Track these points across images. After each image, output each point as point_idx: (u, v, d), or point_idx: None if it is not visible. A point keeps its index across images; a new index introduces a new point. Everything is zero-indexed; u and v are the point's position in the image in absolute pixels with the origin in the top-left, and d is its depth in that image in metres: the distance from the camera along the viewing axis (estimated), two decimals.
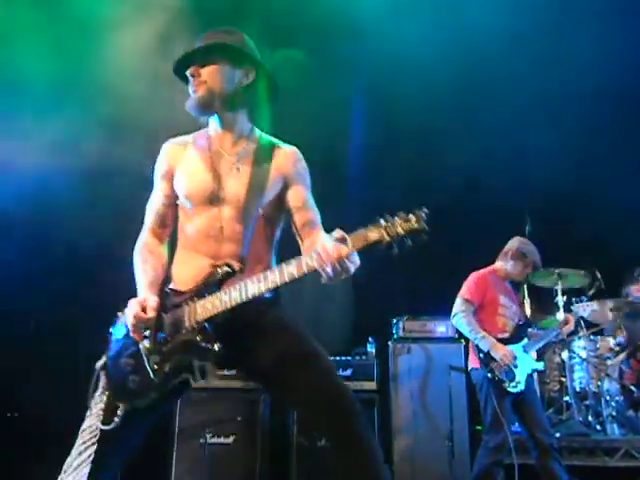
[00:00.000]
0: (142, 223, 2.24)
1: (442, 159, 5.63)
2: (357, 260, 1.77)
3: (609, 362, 4.95)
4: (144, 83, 4.58)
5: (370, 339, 5.01)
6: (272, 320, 2.03)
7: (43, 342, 4.84)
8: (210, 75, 2.06)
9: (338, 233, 1.72)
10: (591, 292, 5.01)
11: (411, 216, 1.68)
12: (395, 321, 5.05)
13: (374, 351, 4.95)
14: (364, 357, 4.90)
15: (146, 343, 1.93)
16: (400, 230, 1.66)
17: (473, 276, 4.20)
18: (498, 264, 4.29)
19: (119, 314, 2.06)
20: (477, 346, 3.92)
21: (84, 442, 1.91)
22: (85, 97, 4.73)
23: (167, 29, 4.84)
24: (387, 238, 1.67)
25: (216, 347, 1.87)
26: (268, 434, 4.87)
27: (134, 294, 2.06)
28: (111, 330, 2.06)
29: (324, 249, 1.71)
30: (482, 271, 4.24)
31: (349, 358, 4.87)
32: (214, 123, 2.17)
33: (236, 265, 1.95)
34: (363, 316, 5.29)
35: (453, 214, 5.67)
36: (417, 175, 5.56)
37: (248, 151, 2.13)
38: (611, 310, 5.21)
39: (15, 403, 4.98)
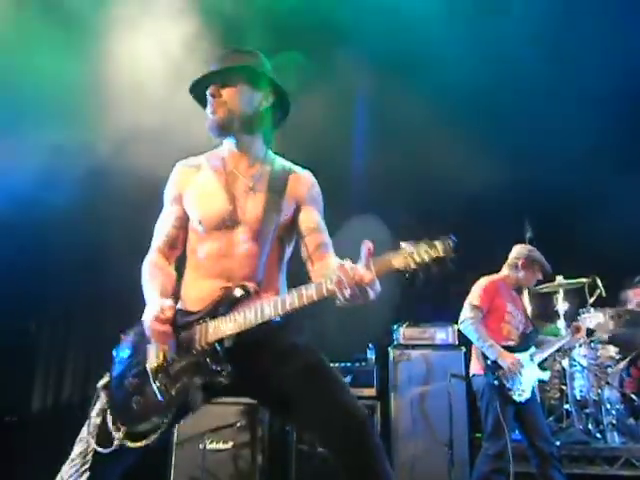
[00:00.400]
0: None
1: (442, 167, 5.64)
2: (378, 287, 1.67)
3: (610, 370, 4.94)
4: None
5: (370, 345, 5.01)
6: (283, 345, 1.98)
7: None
8: (230, 96, 2.05)
9: (365, 253, 1.63)
10: (591, 300, 5.01)
11: (437, 243, 1.60)
12: (395, 328, 5.05)
13: (374, 357, 4.95)
14: (364, 363, 4.90)
15: (154, 363, 1.86)
16: (426, 258, 1.59)
17: (482, 282, 4.17)
18: (509, 273, 4.26)
19: (122, 336, 2.02)
20: (483, 354, 3.89)
21: (77, 469, 1.85)
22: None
23: (168, 31, 4.88)
24: (412, 266, 1.59)
25: (226, 371, 1.82)
26: (267, 440, 4.86)
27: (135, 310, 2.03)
28: (114, 352, 2.01)
29: (344, 269, 1.63)
30: (491, 277, 4.21)
31: (349, 364, 4.88)
32: (230, 144, 2.15)
33: (251, 287, 1.91)
34: (363, 322, 5.28)
35: (454, 220, 5.67)
36: (417, 182, 5.55)
37: (263, 174, 2.11)
38: (611, 318, 5.21)
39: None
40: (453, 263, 1.59)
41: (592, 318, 4.73)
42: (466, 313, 4.04)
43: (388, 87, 5.53)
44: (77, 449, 1.89)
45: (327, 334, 5.17)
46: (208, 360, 1.84)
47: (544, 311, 5.10)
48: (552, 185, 5.73)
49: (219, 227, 2.02)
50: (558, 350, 4.55)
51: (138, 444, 1.83)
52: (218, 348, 1.85)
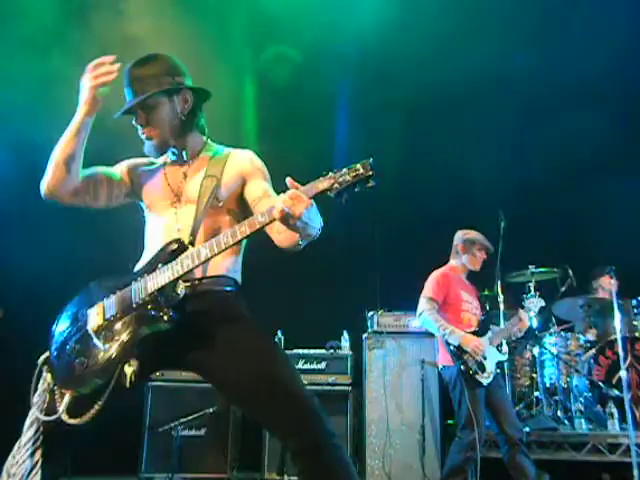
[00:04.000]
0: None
1: (421, 159, 5.68)
2: (309, 205, 1.74)
3: (579, 358, 5.03)
4: None
5: (345, 332, 5.02)
6: (232, 315, 2.02)
7: None
8: (156, 118, 2.11)
9: (289, 182, 1.76)
10: (563, 289, 5.08)
11: (357, 165, 1.73)
12: (370, 315, 5.06)
13: (348, 344, 4.96)
14: (338, 350, 4.91)
15: (94, 322, 1.92)
16: (348, 177, 1.72)
17: (434, 275, 4.24)
18: (454, 262, 4.35)
19: (64, 307, 2.07)
20: (447, 342, 3.94)
21: (28, 450, 1.87)
22: None
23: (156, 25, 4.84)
24: (336, 186, 1.72)
25: (167, 315, 1.85)
26: (240, 426, 4.87)
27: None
28: (53, 327, 2.03)
29: (278, 202, 1.74)
30: (441, 270, 4.29)
31: (323, 351, 4.88)
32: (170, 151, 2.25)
33: (185, 240, 1.97)
34: (338, 309, 5.29)
35: (429, 211, 5.71)
36: (393, 173, 5.56)
37: (202, 159, 2.21)
38: (581, 307, 5.29)
39: None
40: (373, 180, 1.73)
41: (536, 302, 4.76)
42: (422, 306, 4.10)
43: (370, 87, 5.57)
44: (27, 434, 1.90)
45: (302, 320, 5.17)
46: (149, 308, 1.88)
47: (516, 300, 5.16)
48: (526, 176, 5.80)
49: (161, 209, 2.15)
50: (520, 338, 4.60)
51: (75, 420, 1.84)
52: (158, 298, 1.88)
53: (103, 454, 4.11)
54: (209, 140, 2.29)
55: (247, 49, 5.72)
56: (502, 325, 4.28)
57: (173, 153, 2.22)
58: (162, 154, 2.21)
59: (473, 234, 4.31)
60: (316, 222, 1.83)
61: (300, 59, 5.63)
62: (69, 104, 2.09)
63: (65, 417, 1.84)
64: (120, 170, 2.26)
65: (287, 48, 5.62)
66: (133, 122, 2.13)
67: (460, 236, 4.36)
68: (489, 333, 4.08)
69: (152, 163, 2.29)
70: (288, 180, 1.77)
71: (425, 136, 5.79)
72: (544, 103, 5.75)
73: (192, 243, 1.98)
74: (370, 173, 1.72)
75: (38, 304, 3.59)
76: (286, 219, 1.74)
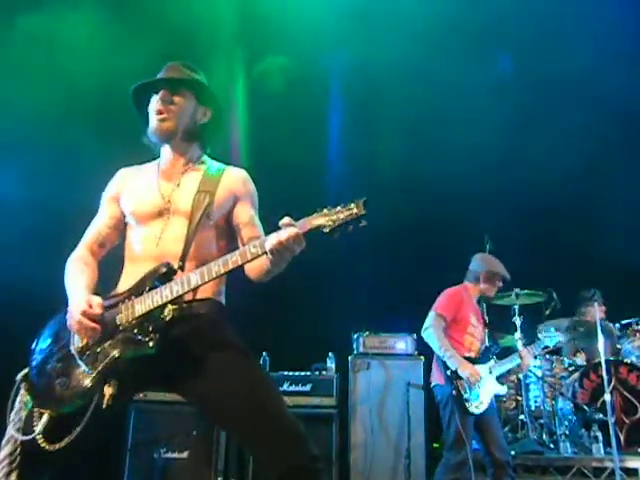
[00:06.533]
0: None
1: (410, 178, 5.70)
2: (303, 244, 1.81)
3: (563, 382, 5.04)
4: None
5: (330, 354, 5.00)
6: (216, 339, 2.01)
7: None
8: (179, 105, 2.16)
9: (285, 220, 1.79)
10: (547, 312, 5.11)
11: (352, 204, 1.76)
12: (355, 337, 5.05)
13: (334, 366, 4.94)
14: (324, 372, 4.88)
15: (79, 343, 1.88)
16: (341, 216, 1.75)
17: (448, 292, 4.20)
18: (470, 284, 4.30)
19: (46, 323, 2.04)
20: (444, 363, 3.92)
21: (4, 469, 1.83)
22: None
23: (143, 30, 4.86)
24: (330, 223, 1.75)
25: (153, 341, 1.83)
26: (224, 449, 4.80)
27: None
28: (34, 343, 2.00)
29: (279, 237, 1.77)
30: (456, 288, 4.25)
31: (309, 373, 4.85)
32: (166, 149, 2.25)
33: (175, 264, 1.95)
34: (323, 331, 5.28)
35: (416, 233, 5.74)
36: (378, 190, 5.59)
37: (196, 171, 2.21)
38: (567, 330, 5.32)
39: None
40: (365, 220, 1.76)
41: (551, 336, 4.80)
42: (430, 321, 4.06)
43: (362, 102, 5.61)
44: (5, 451, 1.86)
45: (287, 342, 5.14)
46: (135, 332, 1.86)
47: (501, 323, 5.18)
48: (512, 198, 5.86)
49: (149, 218, 2.11)
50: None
51: (51, 447, 1.80)
52: (145, 322, 1.87)
53: (84, 476, 4.04)
54: (206, 156, 2.32)
55: (238, 55, 5.76)
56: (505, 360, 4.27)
57: (170, 151, 2.22)
58: (162, 141, 2.21)
59: (497, 267, 4.27)
60: (300, 247, 1.84)
61: (292, 65, 5.65)
62: None
63: (42, 442, 1.81)
64: (112, 208, 2.24)
65: (279, 55, 5.64)
66: (158, 95, 2.15)
67: (484, 265, 4.29)
68: (491, 362, 4.07)
69: (142, 169, 2.28)
70: (284, 220, 1.79)
71: (414, 153, 5.81)
72: (535, 110, 5.79)
73: (182, 268, 1.97)
74: (363, 212, 1.74)
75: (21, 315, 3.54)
76: (276, 254, 1.77)
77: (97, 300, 1.92)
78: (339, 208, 1.76)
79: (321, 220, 1.76)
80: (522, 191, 5.87)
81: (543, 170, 5.71)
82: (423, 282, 4.48)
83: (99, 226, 2.23)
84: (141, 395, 4.50)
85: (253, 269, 2.01)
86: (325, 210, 1.78)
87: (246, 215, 2.17)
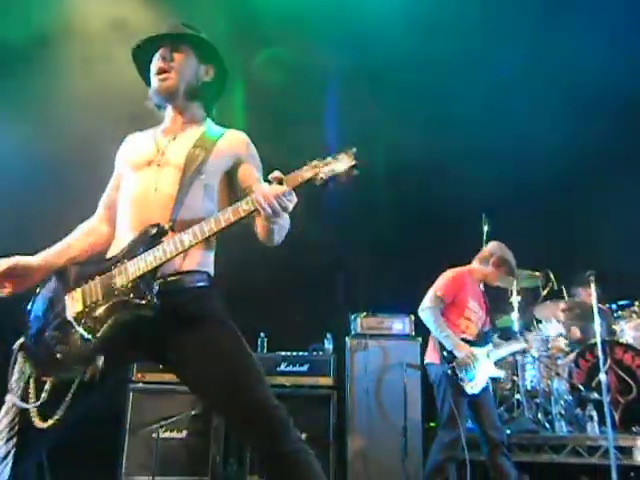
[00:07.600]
0: None
1: (409, 160, 5.67)
2: (294, 198, 1.80)
3: (559, 362, 5.07)
4: None
5: (328, 335, 5.02)
6: (199, 315, 1.96)
7: None
8: (180, 62, 2.13)
9: (275, 173, 1.78)
10: (544, 293, 5.13)
11: (342, 154, 1.76)
12: (353, 317, 5.06)
13: (331, 347, 4.96)
14: (321, 353, 4.90)
15: (74, 310, 1.86)
16: (332, 167, 1.75)
17: (450, 273, 4.18)
18: (476, 266, 4.28)
19: (38, 290, 2.01)
20: (440, 343, 3.93)
21: (3, 438, 1.82)
22: None
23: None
24: (321, 175, 1.74)
25: (150, 302, 1.81)
26: (222, 428, 4.83)
27: None
28: (28, 309, 1.97)
29: (261, 190, 1.76)
30: (460, 269, 4.22)
31: (306, 353, 4.87)
32: (169, 111, 2.23)
33: (165, 225, 1.92)
34: (321, 312, 5.29)
35: (414, 213, 5.73)
36: (381, 174, 5.58)
37: (196, 129, 2.18)
38: (562, 311, 5.34)
39: None
40: (356, 169, 1.76)
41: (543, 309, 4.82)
42: (428, 301, 4.05)
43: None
44: (4, 421, 1.86)
45: (285, 322, 5.16)
46: (131, 295, 1.84)
47: (499, 303, 5.20)
48: (509, 180, 5.84)
49: (141, 167, 2.09)
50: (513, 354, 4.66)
51: (44, 424, 1.81)
52: (140, 284, 1.84)
53: (83, 457, 4.06)
54: (209, 119, 2.26)
55: (236, 51, 5.72)
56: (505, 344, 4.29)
57: (172, 111, 2.20)
58: (164, 101, 2.19)
59: (510, 257, 4.22)
60: (292, 203, 1.82)
61: (291, 60, 5.60)
62: None
63: (37, 421, 1.81)
64: (117, 170, 2.27)
65: (277, 49, 5.59)
66: (158, 53, 2.13)
67: (498, 250, 4.24)
68: (489, 346, 4.08)
69: (147, 131, 2.27)
70: (274, 174, 1.78)
71: (412, 137, 5.78)
72: (539, 106, 5.77)
73: (172, 228, 1.93)
74: (354, 162, 1.74)
75: None
76: (267, 210, 1.75)
77: (15, 259, 2.01)
78: (329, 159, 1.76)
79: (311, 172, 1.76)
80: (521, 173, 5.84)
81: (542, 150, 5.69)
82: (420, 263, 4.47)
83: (107, 190, 2.28)
84: (139, 375, 4.53)
85: (259, 231, 1.99)
86: (315, 162, 1.77)
87: (252, 178, 2.12)
